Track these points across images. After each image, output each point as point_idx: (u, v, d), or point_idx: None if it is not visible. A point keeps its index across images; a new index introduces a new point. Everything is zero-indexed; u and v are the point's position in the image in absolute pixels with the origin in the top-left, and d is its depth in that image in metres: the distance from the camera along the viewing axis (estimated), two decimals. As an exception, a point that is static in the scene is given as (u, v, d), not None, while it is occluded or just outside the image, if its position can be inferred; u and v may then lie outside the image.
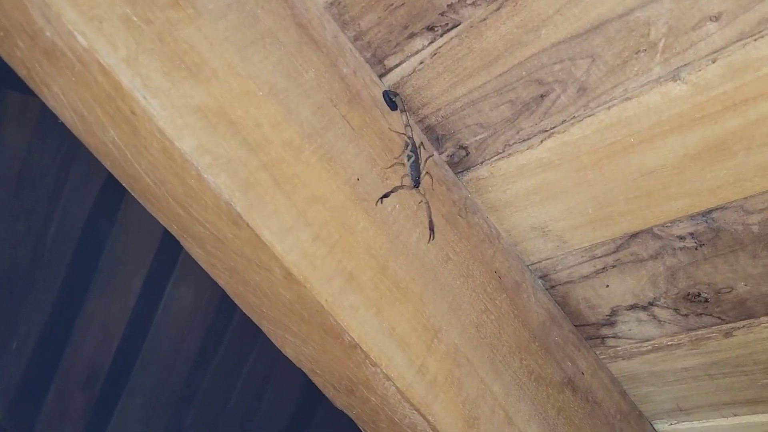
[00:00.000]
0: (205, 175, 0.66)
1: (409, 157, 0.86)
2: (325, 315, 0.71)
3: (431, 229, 0.85)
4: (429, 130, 0.92)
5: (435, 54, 0.85)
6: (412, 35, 0.84)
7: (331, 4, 0.86)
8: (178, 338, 2.90)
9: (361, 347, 0.72)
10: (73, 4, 0.63)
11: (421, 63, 0.86)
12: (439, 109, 0.89)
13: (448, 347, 0.81)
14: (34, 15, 0.63)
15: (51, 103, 0.71)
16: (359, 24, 0.86)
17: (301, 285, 0.70)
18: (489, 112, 0.86)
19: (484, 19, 0.79)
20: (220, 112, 0.70)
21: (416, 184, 0.84)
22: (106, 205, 2.54)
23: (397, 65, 0.88)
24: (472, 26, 0.80)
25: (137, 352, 2.83)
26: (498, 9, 0.77)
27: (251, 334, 2.99)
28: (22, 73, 0.70)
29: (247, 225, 0.68)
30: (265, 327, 0.78)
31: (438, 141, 0.93)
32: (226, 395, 3.05)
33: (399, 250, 0.81)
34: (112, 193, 2.52)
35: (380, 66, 0.89)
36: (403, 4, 0.82)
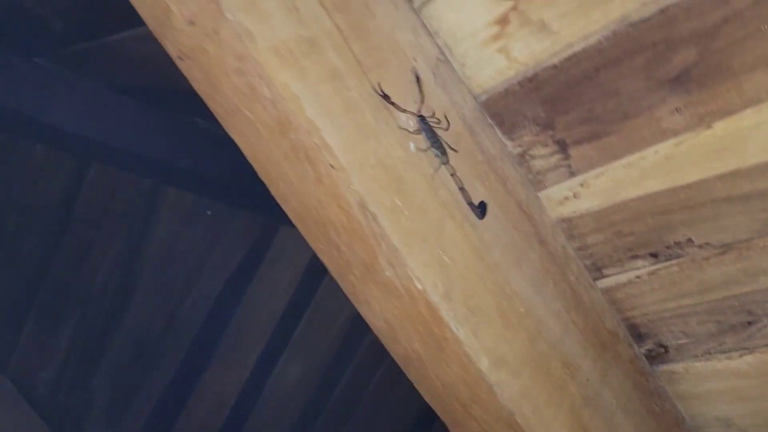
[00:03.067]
0: (496, 390, 0.83)
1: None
2: None
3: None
4: (633, 327, 1.07)
5: (653, 274, 1.00)
6: (635, 257, 1.00)
7: (562, 220, 1.03)
8: (281, 410, 3.09)
9: None
10: (426, 273, 0.81)
11: (638, 277, 1.02)
12: (647, 314, 1.05)
13: None
14: (380, 259, 0.81)
15: (364, 311, 0.89)
16: (585, 239, 1.03)
17: (558, 484, 0.85)
18: (695, 325, 1.01)
19: (707, 258, 0.94)
20: (501, 335, 0.86)
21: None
22: (235, 287, 2.78)
23: (613, 274, 1.04)
24: (693, 260, 0.96)
25: (244, 421, 3.02)
26: (722, 254, 0.93)
27: (344, 412, 3.17)
28: (347, 289, 0.88)
29: (523, 432, 0.84)
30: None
31: (639, 337, 1.08)
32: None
33: (620, 445, 0.95)
34: (242, 278, 2.78)
35: (597, 272, 1.05)
36: (632, 233, 0.98)
